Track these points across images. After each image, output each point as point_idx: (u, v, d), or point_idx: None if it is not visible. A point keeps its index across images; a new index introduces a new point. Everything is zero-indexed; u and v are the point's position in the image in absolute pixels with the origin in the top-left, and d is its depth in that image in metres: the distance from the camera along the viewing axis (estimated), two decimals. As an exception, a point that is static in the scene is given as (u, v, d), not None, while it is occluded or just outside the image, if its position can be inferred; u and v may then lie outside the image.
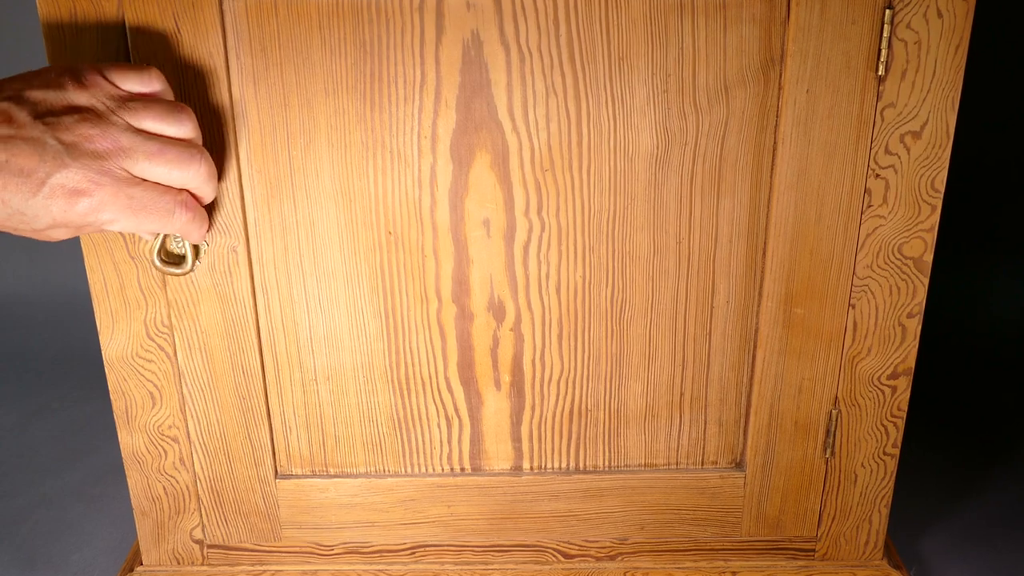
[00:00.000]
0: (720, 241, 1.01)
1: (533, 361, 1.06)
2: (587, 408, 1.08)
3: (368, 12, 0.91)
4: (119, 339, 0.99)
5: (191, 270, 0.96)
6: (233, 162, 0.95)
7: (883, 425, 1.07)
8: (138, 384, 1.02)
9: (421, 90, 0.94)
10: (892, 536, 1.17)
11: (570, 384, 1.07)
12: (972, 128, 1.03)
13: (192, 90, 0.92)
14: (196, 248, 0.96)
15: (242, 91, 0.93)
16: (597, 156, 0.97)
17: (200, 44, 0.90)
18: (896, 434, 1.07)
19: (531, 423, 1.09)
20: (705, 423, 1.09)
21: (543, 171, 0.97)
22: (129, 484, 1.05)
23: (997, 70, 1.84)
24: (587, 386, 1.07)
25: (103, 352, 0.98)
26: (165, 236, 0.95)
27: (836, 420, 1.07)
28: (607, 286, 1.02)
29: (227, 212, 0.97)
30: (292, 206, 0.98)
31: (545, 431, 1.09)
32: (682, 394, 1.08)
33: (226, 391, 1.05)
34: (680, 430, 1.10)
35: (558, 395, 1.07)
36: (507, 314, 1.03)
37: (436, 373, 1.06)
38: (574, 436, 1.10)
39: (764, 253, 1.01)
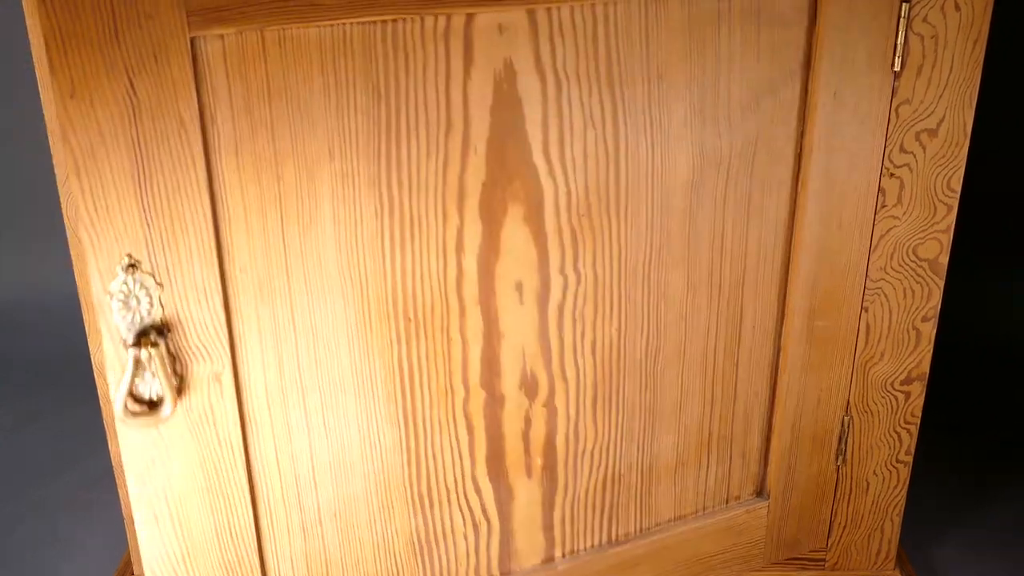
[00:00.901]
0: (748, 266, 0.92)
1: (567, 435, 0.91)
2: (620, 473, 0.95)
3: (383, 46, 0.70)
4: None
5: (172, 415, 0.70)
6: (212, 262, 0.70)
7: (896, 432, 1.04)
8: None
9: (447, 137, 0.75)
10: (904, 544, 1.14)
11: (604, 451, 0.93)
12: (988, 125, 1.00)
13: (154, 171, 0.65)
14: (179, 382, 0.70)
15: (221, 166, 0.68)
16: (635, 191, 0.84)
17: (165, 108, 0.64)
18: (909, 441, 1.05)
19: (564, 506, 0.94)
20: (731, 457, 1.01)
21: (580, 217, 0.82)
22: (120, 494, 0.96)
23: (1014, 65, 1.64)
24: (620, 449, 0.94)
25: (92, 358, 0.90)
26: (133, 376, 0.67)
27: (847, 427, 1.03)
28: (642, 335, 0.90)
29: (206, 329, 0.71)
30: (288, 307, 0.74)
31: (578, 511, 0.95)
32: (710, 434, 0.98)
33: (208, 562, 0.78)
34: (707, 472, 1.00)
35: (591, 467, 0.93)
36: (540, 388, 0.87)
37: (463, 475, 0.87)
38: (607, 507, 0.96)
39: (788, 269, 0.94)
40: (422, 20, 0.71)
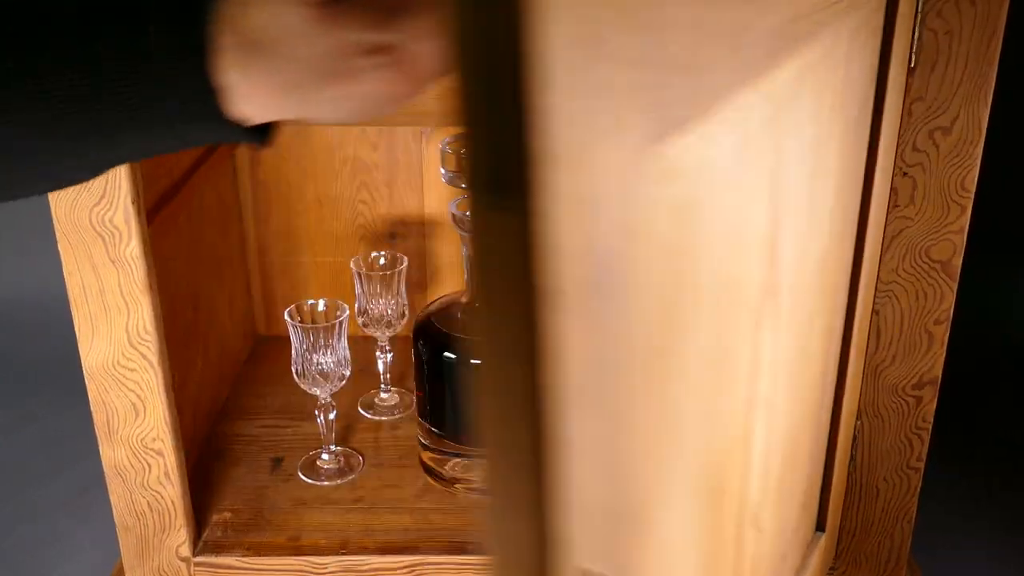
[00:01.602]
0: (834, 312, 0.84)
1: (766, 554, 0.75)
2: (776, 571, 0.82)
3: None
4: (99, 347, 0.87)
5: None
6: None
7: (907, 437, 1.01)
8: (120, 395, 0.89)
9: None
10: (912, 548, 1.07)
11: (774, 554, 0.80)
12: (997, 124, 0.93)
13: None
14: None
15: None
16: (811, 254, 0.71)
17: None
18: (921, 447, 1.02)
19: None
20: (810, 504, 0.93)
21: (789, 312, 0.67)
22: (112, 499, 0.94)
23: None
24: (781, 544, 0.81)
25: (83, 361, 0.88)
26: None
27: (858, 432, 1.01)
28: (798, 411, 0.78)
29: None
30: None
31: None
32: (804, 491, 0.89)
33: None
34: (797, 533, 0.91)
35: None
36: (762, 516, 0.70)
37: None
38: (767, 615, 0.82)
39: (853, 293, 0.88)
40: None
